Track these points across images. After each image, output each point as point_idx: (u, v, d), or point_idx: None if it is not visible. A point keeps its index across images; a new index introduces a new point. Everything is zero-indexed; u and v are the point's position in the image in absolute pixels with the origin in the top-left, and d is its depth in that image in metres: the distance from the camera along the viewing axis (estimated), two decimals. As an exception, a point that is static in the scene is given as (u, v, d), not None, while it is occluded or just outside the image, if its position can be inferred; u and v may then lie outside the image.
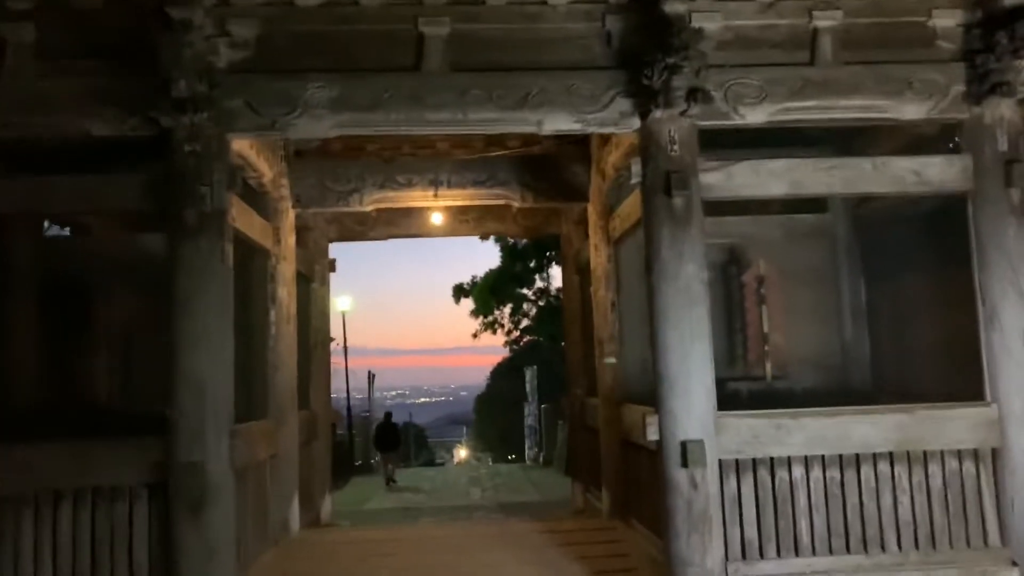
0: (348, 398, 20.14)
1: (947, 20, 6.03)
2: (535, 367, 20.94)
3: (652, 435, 5.75)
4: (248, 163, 6.86)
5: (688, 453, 5.55)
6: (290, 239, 8.01)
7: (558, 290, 23.58)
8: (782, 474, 5.80)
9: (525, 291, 23.43)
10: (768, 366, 7.64)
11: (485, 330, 24.77)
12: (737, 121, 5.93)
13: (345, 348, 20.33)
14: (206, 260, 5.61)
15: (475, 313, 24.44)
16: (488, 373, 42.60)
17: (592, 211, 8.17)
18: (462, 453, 38.15)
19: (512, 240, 22.72)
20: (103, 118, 5.66)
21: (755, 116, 5.93)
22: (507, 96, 5.79)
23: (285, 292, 7.87)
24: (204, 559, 5.41)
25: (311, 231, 9.85)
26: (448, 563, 6.87)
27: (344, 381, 21.07)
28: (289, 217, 8.00)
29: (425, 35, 5.87)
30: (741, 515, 5.76)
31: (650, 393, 6.62)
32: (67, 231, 8.28)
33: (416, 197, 8.12)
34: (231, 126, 5.73)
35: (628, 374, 7.83)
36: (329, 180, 8.08)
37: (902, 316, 7.55)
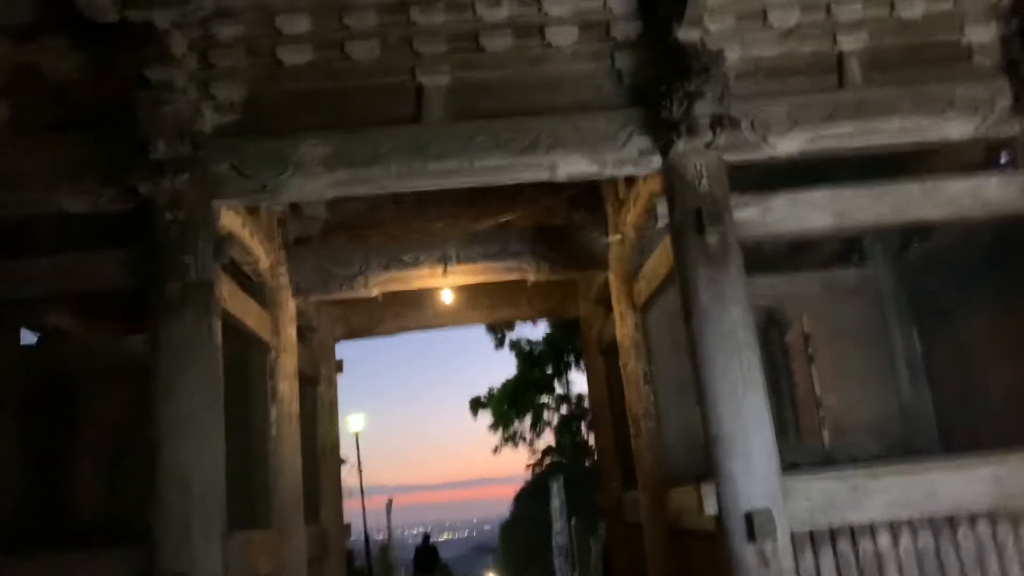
0: (364, 523, 18.98)
1: (982, 35, 5.64)
2: (561, 478, 19.82)
3: (710, 508, 4.94)
4: (243, 246, 6.37)
5: (755, 524, 4.73)
6: (290, 330, 7.42)
7: (578, 397, 22.74)
8: (865, 545, 4.94)
9: (544, 399, 22.51)
10: (825, 433, 6.84)
11: (506, 443, 23.72)
12: (767, 152, 5.44)
13: (359, 467, 19.35)
14: (191, 336, 5.01)
15: (494, 427, 23.46)
16: (511, 502, 41.42)
17: (614, 279, 7.58)
18: (491, 578, 36.09)
19: (528, 347, 22.07)
20: (78, 190, 5.22)
21: (786, 145, 5.45)
22: (516, 140, 5.34)
23: (287, 387, 7.21)
24: None
25: (315, 331, 9.29)
26: None
27: (359, 506, 19.93)
28: (289, 307, 7.44)
29: (424, 86, 5.49)
30: (824, 597, 4.88)
31: (697, 472, 5.90)
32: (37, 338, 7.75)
33: (424, 276, 7.57)
34: (217, 192, 5.26)
35: (670, 453, 7.03)
36: (331, 264, 7.56)
37: (966, 364, 6.82)
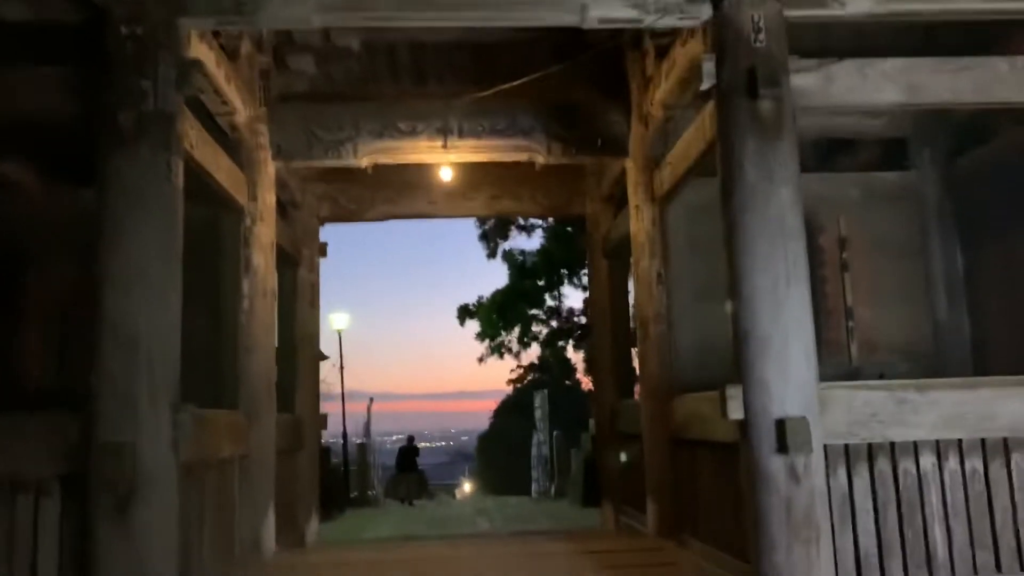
0: (344, 422, 18.61)
1: None
2: (545, 391, 19.43)
3: (735, 413, 4.31)
4: (216, 91, 5.54)
5: (788, 434, 4.12)
6: (269, 197, 6.65)
7: (569, 311, 22.21)
8: (907, 465, 4.36)
9: (535, 312, 21.93)
10: (853, 348, 6.23)
11: (492, 354, 23.26)
12: (836, 10, 4.62)
13: (341, 366, 18.87)
14: (145, 175, 4.25)
15: (481, 336, 22.92)
16: (490, 416, 41.60)
17: (632, 167, 6.82)
18: (466, 487, 36.32)
19: (521, 256, 21.37)
20: (19, -5, 4.35)
21: (858, 5, 4.63)
22: (541, -27, 4.50)
23: (262, 260, 6.49)
24: (130, 572, 3.95)
25: (299, 208, 8.54)
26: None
27: (340, 407, 19.53)
28: (268, 170, 6.65)
29: (437, -100, 4.59)
30: (854, 520, 4.32)
31: (708, 382, 5.27)
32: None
33: (421, 149, 6.77)
34: (184, 7, 4.42)
35: (681, 360, 6.41)
36: (317, 127, 6.74)
37: (1014, 285, 6.16)
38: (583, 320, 22.06)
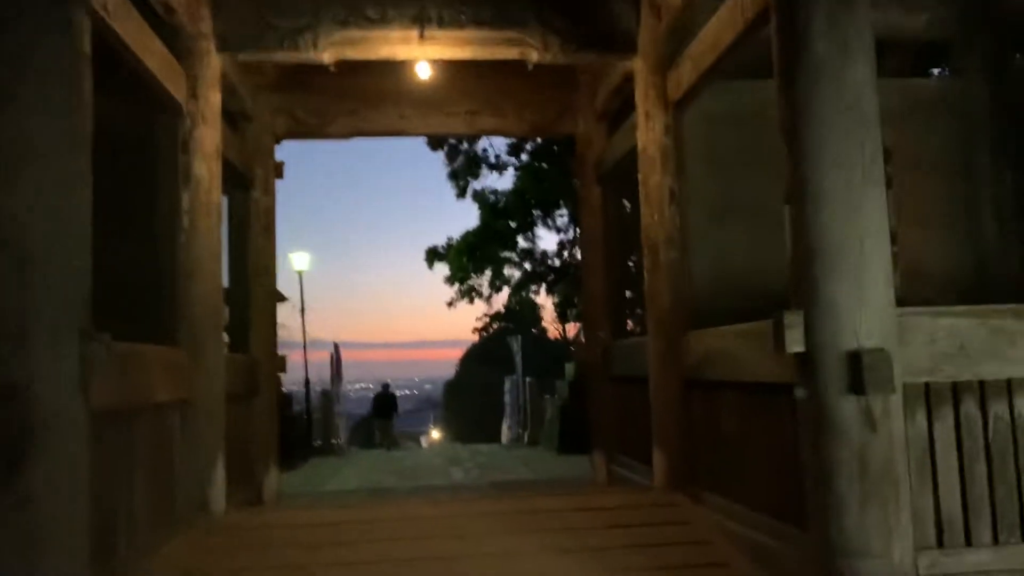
0: (306, 368, 17.64)
1: None
2: (520, 336, 18.62)
3: (794, 345, 3.47)
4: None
5: (864, 370, 3.29)
6: (213, 96, 5.59)
7: (543, 254, 21.34)
8: (999, 408, 3.57)
9: (507, 255, 20.95)
10: (896, 274, 5.40)
11: (461, 298, 22.31)
12: None
13: (303, 310, 17.81)
14: (37, 29, 3.20)
15: (451, 279, 21.92)
16: (455, 364, 41.28)
17: (642, 67, 5.87)
18: (434, 435, 35.80)
19: (493, 196, 20.31)
20: None
21: None
22: None
23: (205, 170, 5.46)
24: (21, 547, 3.02)
25: (251, 121, 7.46)
26: (441, 552, 4.58)
27: (301, 355, 18.53)
28: (212, 64, 5.58)
29: None
30: (935, 475, 3.53)
31: (729, 316, 4.62)
32: None
33: (393, 40, 5.72)
34: None
35: (697, 290, 5.57)
36: (270, 13, 5.65)
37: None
38: (557, 264, 21.23)
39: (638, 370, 6.36)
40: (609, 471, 7.59)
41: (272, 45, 5.66)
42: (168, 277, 5.23)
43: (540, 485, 8.59)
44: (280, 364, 7.64)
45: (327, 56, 5.74)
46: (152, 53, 4.76)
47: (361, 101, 7.70)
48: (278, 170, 7.74)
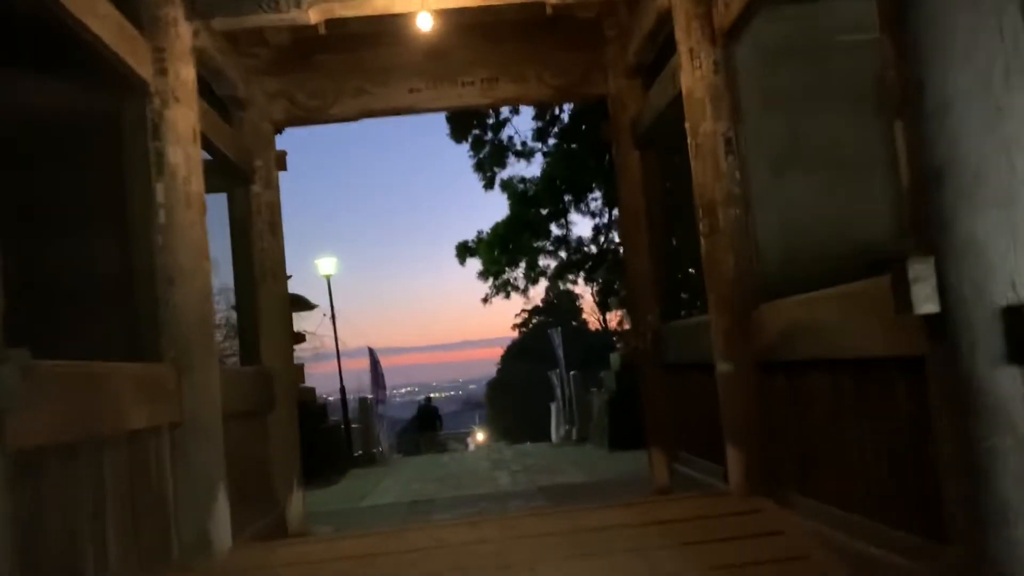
0: (340, 376, 17.00)
1: None
2: (560, 329, 17.78)
3: (925, 303, 2.59)
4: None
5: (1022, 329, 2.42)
6: (185, 72, 4.84)
7: (578, 241, 20.49)
8: None
9: (541, 244, 20.06)
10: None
11: (497, 294, 21.50)
12: None
13: (333, 316, 17.18)
14: None
15: (484, 274, 21.14)
16: (497, 362, 41.18)
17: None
18: (479, 436, 35.18)
19: (522, 185, 19.45)
20: None
21: None
22: None
23: (182, 156, 4.71)
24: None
25: (245, 108, 6.75)
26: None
27: (335, 365, 17.89)
28: (181, 35, 4.83)
29: None
30: None
31: (807, 281, 3.91)
32: None
33: (390, -9, 4.95)
34: None
35: (767, 256, 4.70)
36: (245, -30, 4.91)
37: None
38: (594, 250, 20.34)
39: (698, 355, 5.51)
40: (671, 471, 6.74)
41: (249, 7, 4.91)
42: (144, 282, 4.50)
43: (594, 489, 7.76)
44: (298, 374, 6.92)
45: (313, 15, 4.98)
46: (103, 21, 4.03)
47: (365, 78, 6.94)
48: (280, 161, 7.02)
